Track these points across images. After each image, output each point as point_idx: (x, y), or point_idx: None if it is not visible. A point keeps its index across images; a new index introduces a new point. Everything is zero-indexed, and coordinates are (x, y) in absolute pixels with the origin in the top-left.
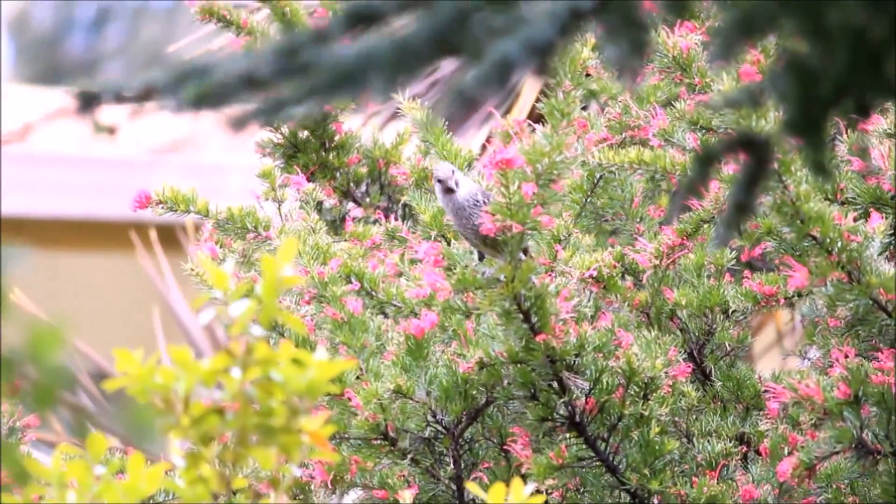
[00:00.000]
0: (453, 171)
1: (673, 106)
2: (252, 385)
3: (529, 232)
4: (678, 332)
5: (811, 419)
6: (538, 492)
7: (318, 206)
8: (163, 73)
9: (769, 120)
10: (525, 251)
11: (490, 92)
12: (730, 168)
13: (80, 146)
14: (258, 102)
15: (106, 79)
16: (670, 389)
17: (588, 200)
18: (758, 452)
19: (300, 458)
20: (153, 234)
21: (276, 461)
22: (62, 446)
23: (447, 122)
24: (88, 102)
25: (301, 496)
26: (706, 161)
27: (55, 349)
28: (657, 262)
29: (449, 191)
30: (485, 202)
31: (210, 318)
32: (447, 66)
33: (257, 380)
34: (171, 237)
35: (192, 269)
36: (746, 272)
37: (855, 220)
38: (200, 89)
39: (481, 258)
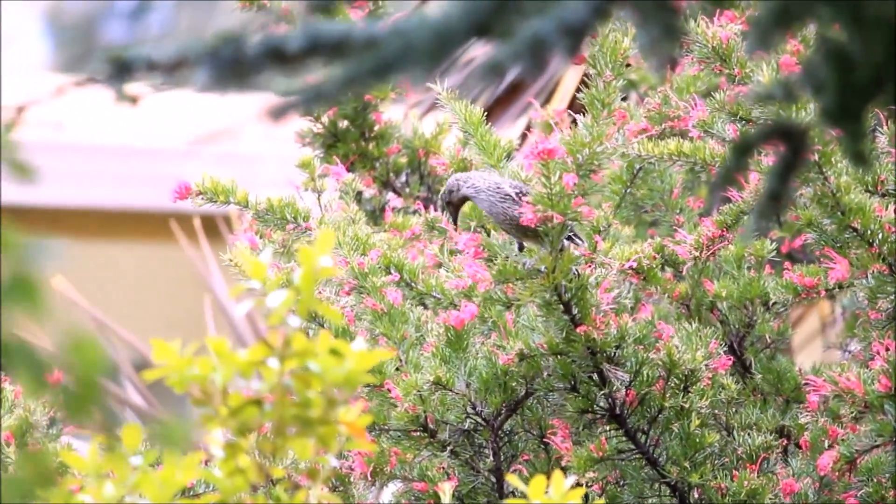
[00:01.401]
0: (457, 181)
1: (712, 97)
2: (290, 376)
3: (570, 223)
4: (718, 324)
5: (852, 412)
6: (578, 484)
7: (358, 196)
8: (194, 43)
9: (808, 111)
10: (571, 238)
11: (524, 71)
12: (769, 160)
13: (118, 136)
14: (293, 91)
15: (138, 48)
16: (710, 382)
17: (628, 191)
18: (798, 446)
19: (338, 449)
20: (197, 224)
21: (314, 452)
22: (99, 437)
23: (487, 112)
24: (120, 71)
25: (341, 488)
26: (743, 150)
27: (92, 358)
28: (697, 253)
29: (449, 205)
30: (517, 194)
31: (248, 309)
32: (482, 54)
33: (295, 370)
34: (213, 227)
35: (231, 260)
36: (787, 264)
37: None
38: (230, 55)
39: (521, 249)
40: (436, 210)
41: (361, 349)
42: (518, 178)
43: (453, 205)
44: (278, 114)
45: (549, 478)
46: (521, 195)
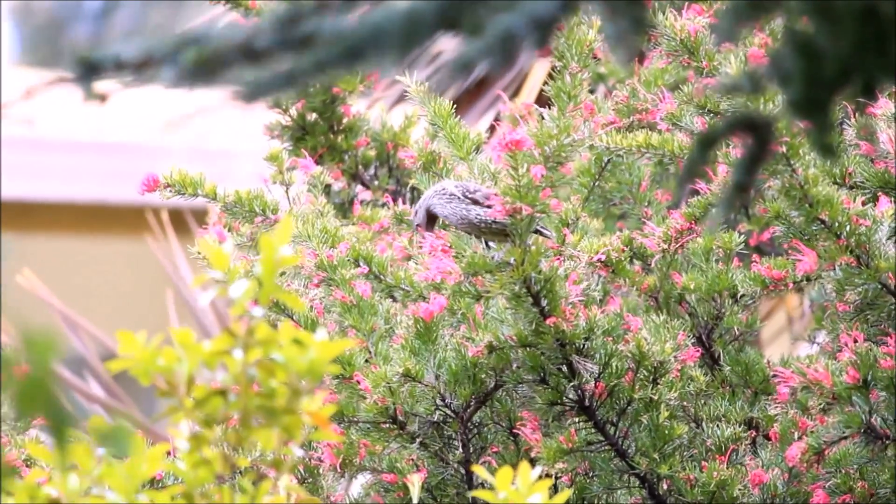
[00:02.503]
0: (415, 211)
1: (681, 89)
2: (254, 366)
3: (539, 215)
4: (687, 317)
5: (820, 404)
6: (547, 475)
7: (327, 189)
8: (161, 41)
9: (776, 103)
10: (538, 231)
11: (493, 66)
12: (737, 152)
13: (88, 130)
14: (264, 75)
15: (106, 48)
16: (679, 374)
17: (596, 184)
18: (767, 437)
19: (303, 439)
20: (165, 218)
21: (279, 442)
22: (48, 433)
23: (455, 105)
24: (88, 70)
25: (310, 480)
26: (708, 142)
27: (44, 355)
28: (665, 246)
29: (421, 226)
30: (462, 193)
31: (210, 299)
32: (451, 47)
33: (259, 361)
34: (181, 221)
35: (199, 253)
36: (755, 256)
37: (863, 203)
38: (198, 57)
39: (487, 247)
40: (404, 203)
41: (324, 339)
42: (487, 171)
43: (429, 224)
44: (248, 98)
45: (516, 469)
46: (466, 193)
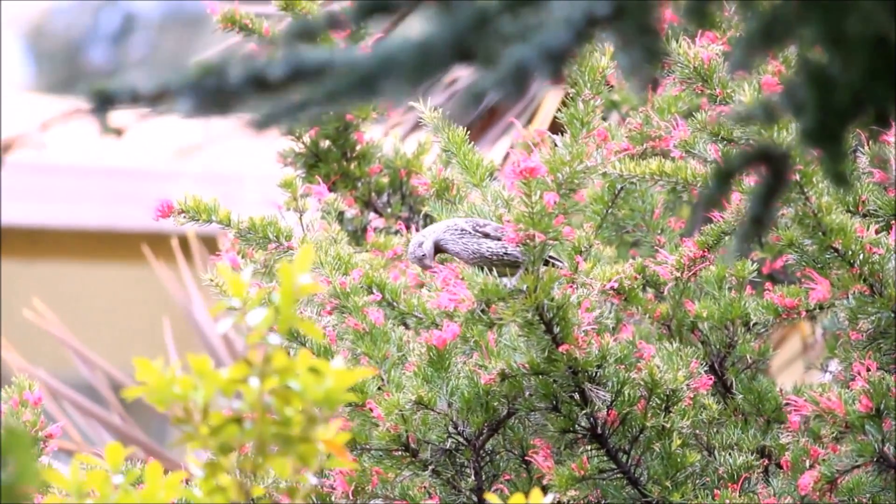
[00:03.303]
0: (419, 244)
1: (694, 117)
2: (270, 394)
3: (551, 242)
4: (699, 345)
5: (833, 432)
6: (559, 503)
7: (340, 216)
8: (176, 74)
9: (790, 132)
10: (548, 261)
11: (506, 96)
12: (751, 180)
13: (96, 155)
14: (276, 106)
15: (121, 80)
16: (692, 402)
17: (609, 211)
18: (779, 466)
19: (317, 467)
20: (174, 244)
21: (294, 470)
22: (80, 456)
23: (468, 132)
24: (104, 103)
25: None
26: (725, 175)
27: (23, 454)
28: (678, 274)
29: (424, 265)
30: (473, 228)
31: (228, 327)
32: (465, 75)
33: (275, 389)
34: (186, 248)
35: (212, 280)
36: (768, 284)
37: (877, 232)
38: (212, 83)
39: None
40: (417, 230)
41: (341, 367)
42: (501, 198)
43: (432, 260)
44: (261, 127)
45: (529, 497)
46: (476, 228)
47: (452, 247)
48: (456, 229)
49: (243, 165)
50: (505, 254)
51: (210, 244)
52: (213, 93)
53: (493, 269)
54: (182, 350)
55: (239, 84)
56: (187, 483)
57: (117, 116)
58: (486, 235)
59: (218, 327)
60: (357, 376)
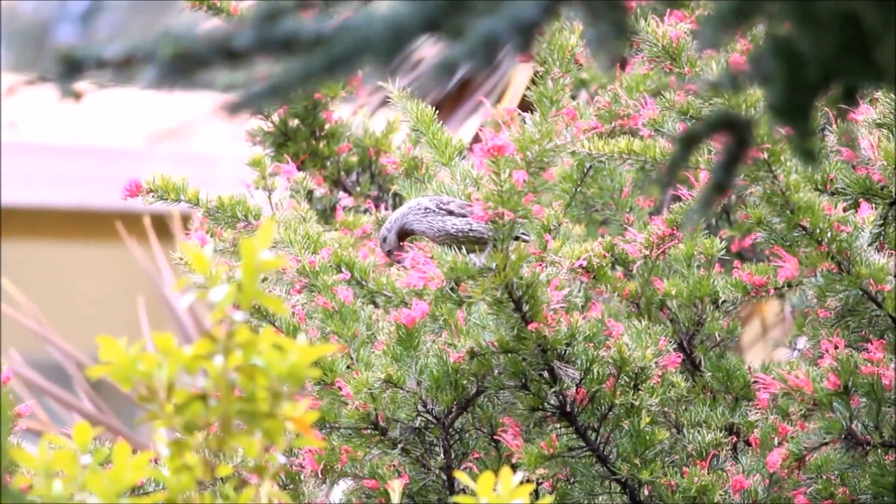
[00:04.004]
0: (383, 239)
1: (663, 95)
2: (235, 371)
3: (520, 221)
4: (668, 323)
5: (801, 410)
6: (528, 481)
7: (309, 194)
8: (143, 40)
9: (757, 108)
10: (518, 238)
11: (475, 69)
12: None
13: (71, 135)
14: (249, 90)
15: (88, 47)
16: (660, 379)
17: (578, 190)
18: (747, 443)
19: (285, 445)
20: (147, 223)
21: (261, 448)
22: (48, 436)
23: (437, 111)
24: (70, 68)
25: (291, 486)
26: (689, 142)
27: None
28: (647, 252)
29: (391, 253)
30: (437, 206)
31: (190, 303)
32: (433, 54)
33: (240, 365)
34: (164, 227)
35: (181, 258)
36: (737, 262)
37: (845, 210)
38: (176, 52)
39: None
40: (386, 209)
41: (305, 343)
42: (470, 177)
43: (399, 245)
44: (234, 110)
45: (498, 475)
46: (440, 205)
47: (418, 226)
48: (419, 209)
49: (217, 146)
50: (470, 230)
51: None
52: (179, 61)
53: (460, 246)
54: (156, 330)
55: (205, 53)
56: (155, 463)
57: (81, 85)
58: (451, 213)
59: (181, 303)
60: (321, 351)
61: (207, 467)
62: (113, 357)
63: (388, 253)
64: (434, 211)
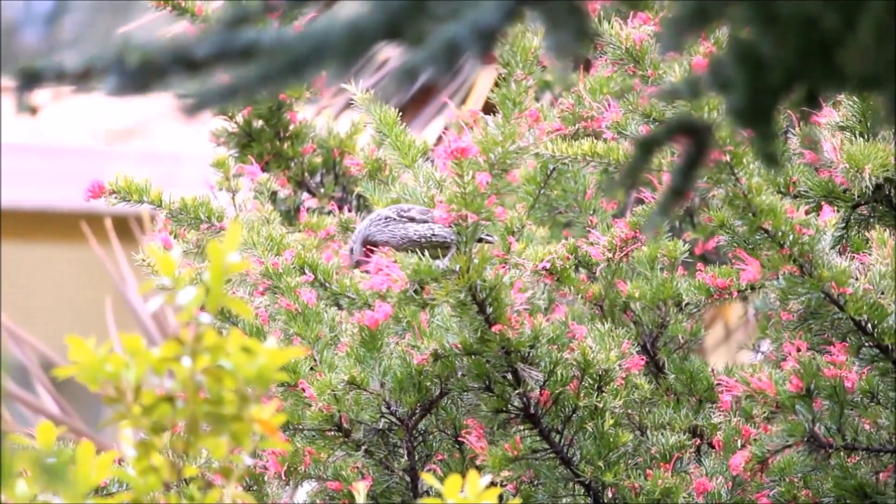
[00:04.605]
0: (350, 252)
1: (626, 98)
2: (202, 373)
3: (483, 223)
4: (632, 325)
5: (764, 412)
6: (493, 484)
7: (273, 196)
8: (102, 52)
9: (719, 112)
10: (482, 240)
11: (437, 74)
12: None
13: (32, 134)
14: (208, 88)
15: (48, 58)
16: (624, 382)
17: (541, 192)
18: (711, 445)
19: (251, 447)
20: (108, 224)
21: (227, 450)
22: (12, 436)
23: (401, 113)
24: (30, 80)
25: (255, 487)
26: (648, 146)
27: None
28: (610, 254)
29: (358, 264)
30: (397, 214)
31: (158, 306)
32: (397, 56)
33: (207, 368)
34: (125, 228)
35: (144, 259)
36: (700, 265)
37: (807, 213)
38: (139, 62)
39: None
40: (350, 211)
41: (273, 346)
42: (433, 179)
43: (367, 256)
44: (192, 111)
45: (463, 477)
46: (401, 213)
47: (380, 236)
48: (380, 219)
49: (182, 146)
50: (433, 235)
51: (142, 225)
52: (139, 71)
53: (424, 251)
54: (112, 331)
55: (165, 63)
56: (120, 463)
57: (38, 96)
58: (412, 220)
59: (148, 305)
60: (289, 355)
61: (174, 468)
62: (81, 357)
63: (357, 264)
64: (395, 219)
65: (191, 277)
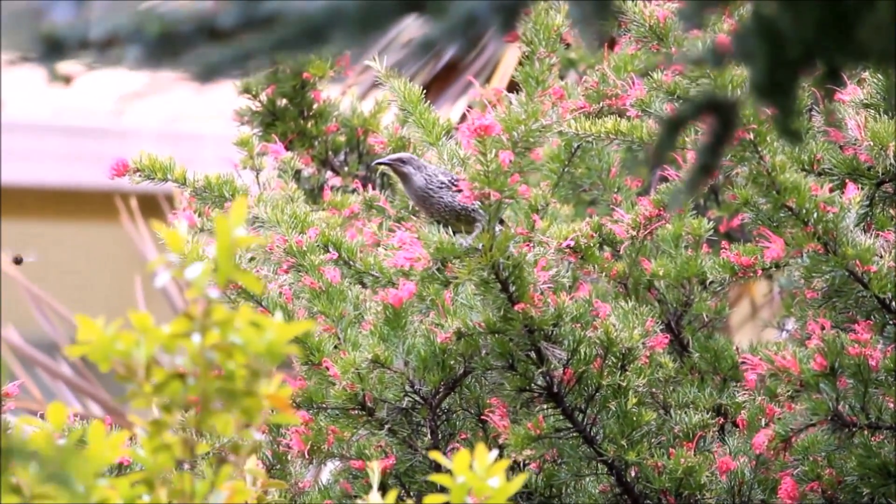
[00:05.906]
0: (402, 161)
1: (650, 76)
2: (212, 349)
3: (507, 201)
4: (656, 303)
5: (788, 391)
6: (515, 463)
7: (297, 174)
8: (126, 19)
9: (742, 89)
10: (502, 222)
11: (457, 47)
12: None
13: (54, 113)
14: (223, 54)
15: (71, 26)
16: (648, 360)
17: (565, 170)
18: (735, 424)
19: (262, 422)
20: (134, 203)
21: (238, 426)
22: (24, 418)
23: (425, 91)
24: (53, 49)
25: (278, 466)
26: (675, 125)
27: None
28: (635, 232)
29: (403, 176)
30: (451, 182)
31: (166, 281)
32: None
33: (217, 343)
34: (153, 206)
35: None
36: (724, 243)
37: (831, 190)
38: (161, 30)
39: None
40: (374, 189)
41: (282, 320)
42: (457, 157)
43: (395, 172)
44: (204, 77)
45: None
46: (453, 183)
47: (424, 194)
48: (440, 183)
49: (202, 124)
50: (473, 210)
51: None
52: (160, 41)
53: (454, 223)
54: (141, 308)
55: (188, 33)
56: (131, 441)
57: (67, 66)
58: (460, 190)
59: (155, 281)
60: (298, 328)
61: (186, 446)
62: (91, 336)
63: (387, 165)
64: (448, 187)
65: (201, 252)
